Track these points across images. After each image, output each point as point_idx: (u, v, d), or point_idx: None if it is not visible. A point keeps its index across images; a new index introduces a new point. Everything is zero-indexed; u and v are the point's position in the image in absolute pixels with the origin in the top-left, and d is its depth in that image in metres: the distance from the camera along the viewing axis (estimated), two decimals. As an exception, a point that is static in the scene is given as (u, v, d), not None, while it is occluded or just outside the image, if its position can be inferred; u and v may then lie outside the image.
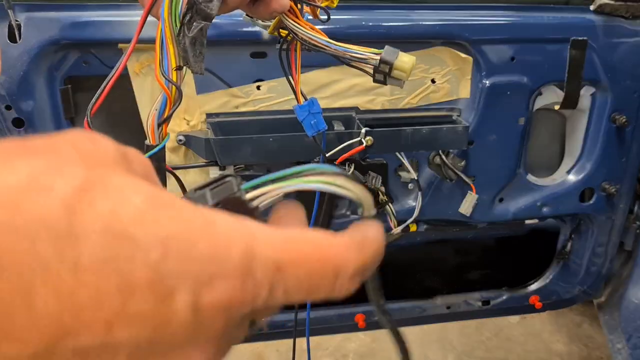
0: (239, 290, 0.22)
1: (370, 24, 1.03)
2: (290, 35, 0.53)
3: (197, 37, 0.46)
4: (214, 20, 0.49)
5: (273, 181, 0.29)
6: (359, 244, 0.27)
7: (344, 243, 0.26)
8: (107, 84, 0.46)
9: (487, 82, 1.10)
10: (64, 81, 1.00)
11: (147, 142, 0.47)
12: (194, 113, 1.05)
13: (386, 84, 0.50)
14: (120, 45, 0.96)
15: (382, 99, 1.11)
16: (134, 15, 0.95)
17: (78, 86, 1.03)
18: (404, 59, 0.48)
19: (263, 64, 1.04)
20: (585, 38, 1.10)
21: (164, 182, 0.46)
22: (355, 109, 1.10)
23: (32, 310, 0.19)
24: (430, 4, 1.08)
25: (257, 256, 0.23)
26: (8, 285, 0.19)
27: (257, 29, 0.98)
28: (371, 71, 0.50)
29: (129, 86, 1.00)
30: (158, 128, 0.47)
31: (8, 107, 0.95)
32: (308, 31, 0.50)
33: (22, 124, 0.96)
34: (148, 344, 0.21)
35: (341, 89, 1.08)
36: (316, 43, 0.50)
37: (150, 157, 0.47)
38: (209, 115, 1.04)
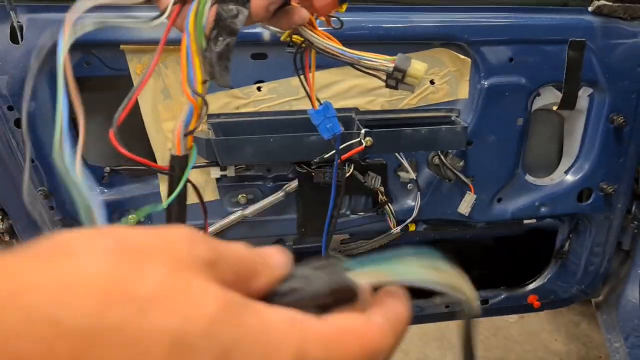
0: None
1: (370, 25, 1.04)
2: (305, 43, 0.54)
3: (223, 52, 0.47)
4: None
5: (382, 268, 0.30)
6: (394, 328, 0.30)
7: (381, 330, 0.29)
8: (132, 94, 0.46)
9: (486, 83, 1.11)
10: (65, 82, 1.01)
11: (172, 152, 0.48)
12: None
13: (397, 89, 0.52)
14: (122, 47, 0.97)
15: (382, 100, 1.12)
16: (136, 17, 0.95)
17: (80, 87, 1.03)
18: (417, 67, 0.50)
19: (263, 66, 1.05)
20: (583, 39, 1.11)
21: (182, 191, 0.47)
22: (355, 109, 1.11)
23: None
24: (429, 5, 1.08)
25: (308, 356, 0.26)
26: None
27: (257, 30, 0.99)
28: (384, 77, 0.52)
29: (130, 87, 1.01)
30: (184, 139, 0.48)
31: (10, 108, 0.95)
32: (324, 40, 0.52)
33: (24, 125, 0.97)
34: None
35: (341, 90, 1.09)
36: (332, 51, 0.52)
37: (173, 166, 0.48)
38: (209, 116, 1.05)
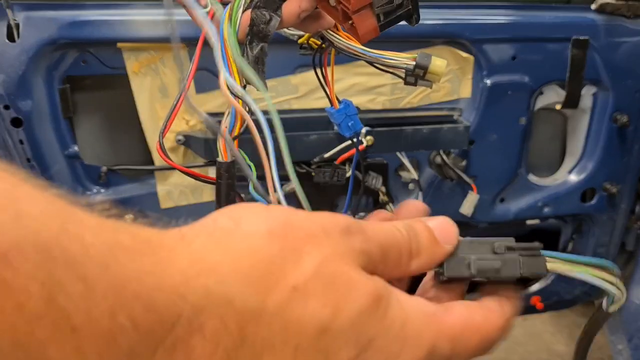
0: None
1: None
2: (326, 44, 0.56)
3: (259, 56, 0.48)
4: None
5: (569, 262, 0.35)
6: (507, 323, 0.33)
7: (497, 325, 0.32)
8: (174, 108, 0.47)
9: (488, 81, 1.10)
10: (62, 81, 1.00)
11: (219, 159, 0.49)
12: (193, 113, 1.04)
13: (416, 85, 0.53)
14: (119, 45, 0.96)
15: (383, 99, 1.11)
16: (133, 15, 0.95)
17: (77, 86, 1.03)
18: (438, 63, 0.50)
19: (263, 64, 1.04)
20: (586, 37, 1.10)
21: (230, 197, 0.49)
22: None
23: None
24: (431, 3, 1.07)
25: (437, 353, 0.29)
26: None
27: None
28: (403, 74, 0.53)
29: (127, 85, 1.00)
30: (230, 143, 0.49)
31: (6, 107, 0.94)
32: (346, 41, 0.53)
33: (20, 124, 0.96)
34: None
35: (342, 88, 1.07)
36: (353, 51, 0.53)
37: (221, 172, 0.49)
38: (208, 114, 1.04)
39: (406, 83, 0.53)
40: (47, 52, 0.94)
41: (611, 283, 0.36)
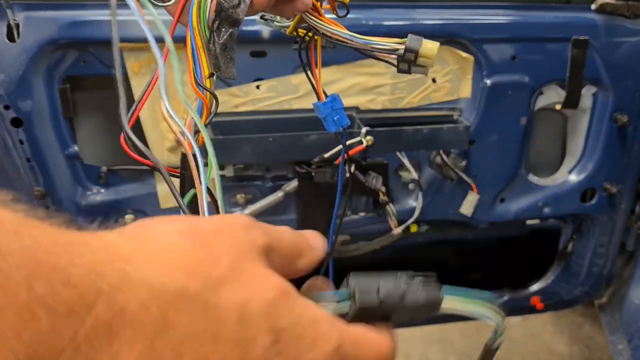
0: None
1: (371, 22, 1.02)
2: (311, 32, 0.54)
3: (227, 42, 0.46)
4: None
5: (467, 299, 0.38)
6: (394, 347, 0.35)
7: (391, 346, 0.34)
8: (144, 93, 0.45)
9: (488, 81, 1.10)
10: (62, 80, 1.00)
11: (183, 150, 0.48)
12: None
13: (410, 73, 0.51)
14: (119, 45, 0.95)
15: (383, 99, 1.11)
16: (133, 14, 0.94)
17: (77, 85, 1.03)
18: (429, 45, 0.48)
19: (262, 63, 1.04)
20: (586, 37, 1.09)
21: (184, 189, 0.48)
22: (356, 108, 1.10)
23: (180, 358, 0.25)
24: (431, 3, 1.07)
25: (343, 353, 0.31)
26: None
27: (256, 27, 0.97)
28: (395, 61, 0.51)
29: (127, 85, 1.00)
30: (194, 137, 0.47)
31: (6, 107, 0.94)
32: (331, 26, 0.51)
33: (20, 124, 0.96)
34: None
35: (341, 88, 1.07)
36: (340, 37, 0.51)
37: (185, 165, 0.48)
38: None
39: (399, 70, 0.51)
40: (47, 52, 0.94)
41: (495, 316, 0.39)
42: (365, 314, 0.34)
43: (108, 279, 0.24)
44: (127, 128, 0.44)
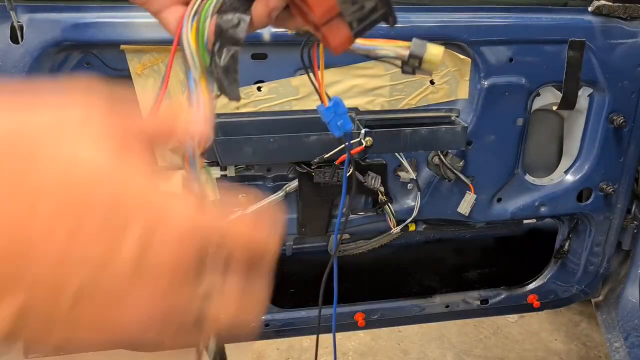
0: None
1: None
2: (312, 42, 0.53)
3: (230, 64, 0.44)
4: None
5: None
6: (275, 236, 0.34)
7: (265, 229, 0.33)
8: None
9: (486, 83, 1.11)
10: (65, 82, 1.01)
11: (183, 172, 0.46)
12: (194, 114, 1.05)
13: (415, 75, 0.51)
14: (122, 47, 0.97)
15: (382, 100, 1.12)
16: (136, 17, 0.96)
17: (80, 87, 1.04)
18: (433, 52, 0.48)
19: (264, 66, 1.05)
20: (583, 39, 1.11)
21: None
22: (355, 109, 1.11)
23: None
24: (429, 5, 1.08)
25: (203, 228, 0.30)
26: None
27: (257, 30, 0.99)
28: (400, 64, 0.50)
29: (131, 87, 1.01)
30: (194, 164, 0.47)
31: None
32: None
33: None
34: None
35: (341, 90, 1.09)
36: None
37: None
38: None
39: (404, 72, 0.50)
40: (51, 54, 0.95)
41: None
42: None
43: None
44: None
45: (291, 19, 0.50)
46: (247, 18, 0.45)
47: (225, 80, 0.44)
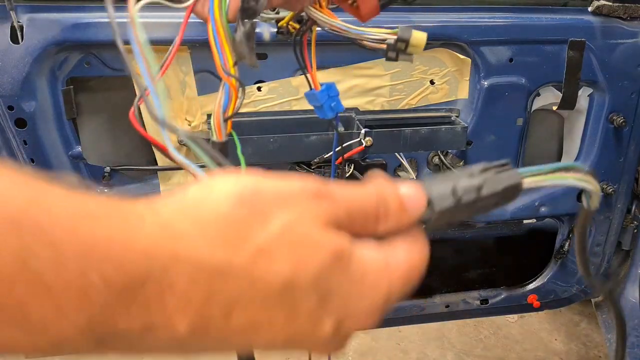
0: (373, 322, 0.32)
1: (370, 25, 1.03)
2: (304, 27, 0.57)
3: (250, 32, 0.49)
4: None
5: (546, 173, 0.38)
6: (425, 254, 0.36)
7: (424, 261, 0.35)
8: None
9: (486, 83, 1.11)
10: (65, 82, 1.01)
11: (213, 138, 0.51)
12: (195, 114, 1.05)
13: (398, 60, 0.54)
14: (126, 47, 0.97)
15: (382, 100, 1.12)
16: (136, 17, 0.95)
17: (80, 87, 1.04)
18: (418, 36, 0.53)
19: (264, 66, 1.05)
20: (583, 39, 1.11)
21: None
22: (355, 109, 1.11)
23: (229, 321, 0.28)
24: (429, 5, 1.08)
25: (392, 298, 0.32)
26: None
27: (257, 30, 0.99)
28: (384, 49, 0.55)
29: (131, 87, 1.01)
30: (224, 124, 0.50)
31: (10, 108, 0.95)
32: (329, 18, 0.55)
33: (24, 125, 0.97)
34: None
35: (341, 90, 1.08)
36: (336, 28, 0.54)
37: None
38: (210, 116, 1.05)
39: (387, 59, 0.54)
40: (51, 54, 0.95)
41: (582, 180, 0.39)
42: (446, 217, 0.34)
43: (159, 260, 0.26)
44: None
45: (301, 0, 0.54)
46: None
47: (246, 47, 0.48)
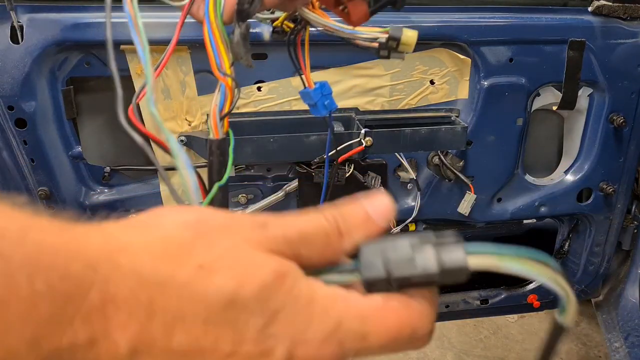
0: (329, 353, 0.29)
1: (369, 25, 1.04)
2: (299, 26, 0.58)
3: (245, 33, 0.50)
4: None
5: (497, 255, 0.30)
6: (429, 302, 0.32)
7: (418, 309, 0.31)
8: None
9: (486, 83, 1.11)
10: (65, 82, 1.01)
11: (210, 136, 0.51)
12: (195, 114, 1.06)
13: (389, 59, 0.56)
14: (122, 47, 0.97)
15: (382, 100, 1.12)
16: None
17: (80, 87, 1.04)
18: (409, 34, 0.54)
19: (264, 66, 1.05)
20: (583, 39, 1.11)
21: (222, 173, 0.51)
22: (355, 109, 1.11)
23: (171, 340, 0.27)
24: (429, 5, 1.08)
25: (345, 329, 0.30)
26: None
27: (257, 30, 0.99)
28: (376, 47, 0.56)
29: (131, 87, 1.01)
30: (220, 122, 0.51)
31: (10, 108, 0.96)
32: (322, 19, 0.56)
33: (24, 125, 0.97)
34: None
35: (341, 90, 1.09)
36: (329, 28, 0.55)
37: (213, 149, 0.51)
38: (209, 115, 1.05)
39: (379, 57, 0.56)
40: (51, 54, 0.96)
41: (553, 280, 0.31)
42: (377, 286, 0.31)
43: (101, 270, 0.26)
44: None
45: (294, 1, 0.54)
46: None
47: (243, 48, 0.48)
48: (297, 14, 0.57)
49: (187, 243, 0.29)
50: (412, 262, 0.30)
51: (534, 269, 0.31)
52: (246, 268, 0.28)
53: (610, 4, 1.11)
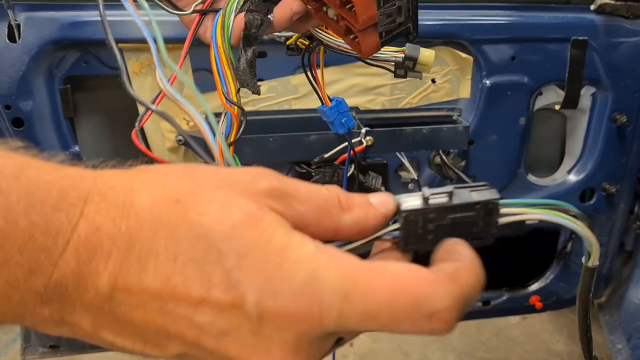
0: (302, 308, 0.27)
1: None
2: (314, 43, 0.57)
3: (252, 60, 0.50)
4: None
5: (527, 205, 0.35)
6: (451, 276, 0.29)
7: (427, 278, 0.28)
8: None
9: (488, 81, 1.10)
10: (63, 81, 1.00)
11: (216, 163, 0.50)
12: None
13: (406, 78, 0.55)
14: (120, 45, 0.96)
15: (383, 99, 1.11)
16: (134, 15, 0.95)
17: (77, 86, 1.03)
18: (426, 54, 0.53)
19: (263, 64, 1.04)
20: (585, 38, 1.10)
21: None
22: (356, 109, 1.10)
23: (144, 275, 0.27)
24: (430, 3, 1.08)
25: (321, 282, 0.27)
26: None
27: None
28: (392, 68, 0.55)
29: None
30: (227, 149, 0.50)
31: (7, 107, 0.95)
32: (335, 39, 0.55)
33: (21, 124, 0.96)
34: (223, 332, 0.28)
35: (341, 88, 1.08)
36: (343, 49, 0.54)
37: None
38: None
39: (396, 76, 0.55)
40: (48, 53, 0.95)
41: (576, 224, 0.35)
42: (416, 224, 0.31)
43: (90, 203, 0.28)
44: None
45: (304, 23, 0.53)
46: (269, 19, 0.49)
47: (249, 74, 0.48)
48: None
49: (171, 182, 0.29)
50: (448, 193, 0.32)
51: (559, 215, 0.34)
52: (222, 207, 0.28)
53: (612, 2, 1.10)
